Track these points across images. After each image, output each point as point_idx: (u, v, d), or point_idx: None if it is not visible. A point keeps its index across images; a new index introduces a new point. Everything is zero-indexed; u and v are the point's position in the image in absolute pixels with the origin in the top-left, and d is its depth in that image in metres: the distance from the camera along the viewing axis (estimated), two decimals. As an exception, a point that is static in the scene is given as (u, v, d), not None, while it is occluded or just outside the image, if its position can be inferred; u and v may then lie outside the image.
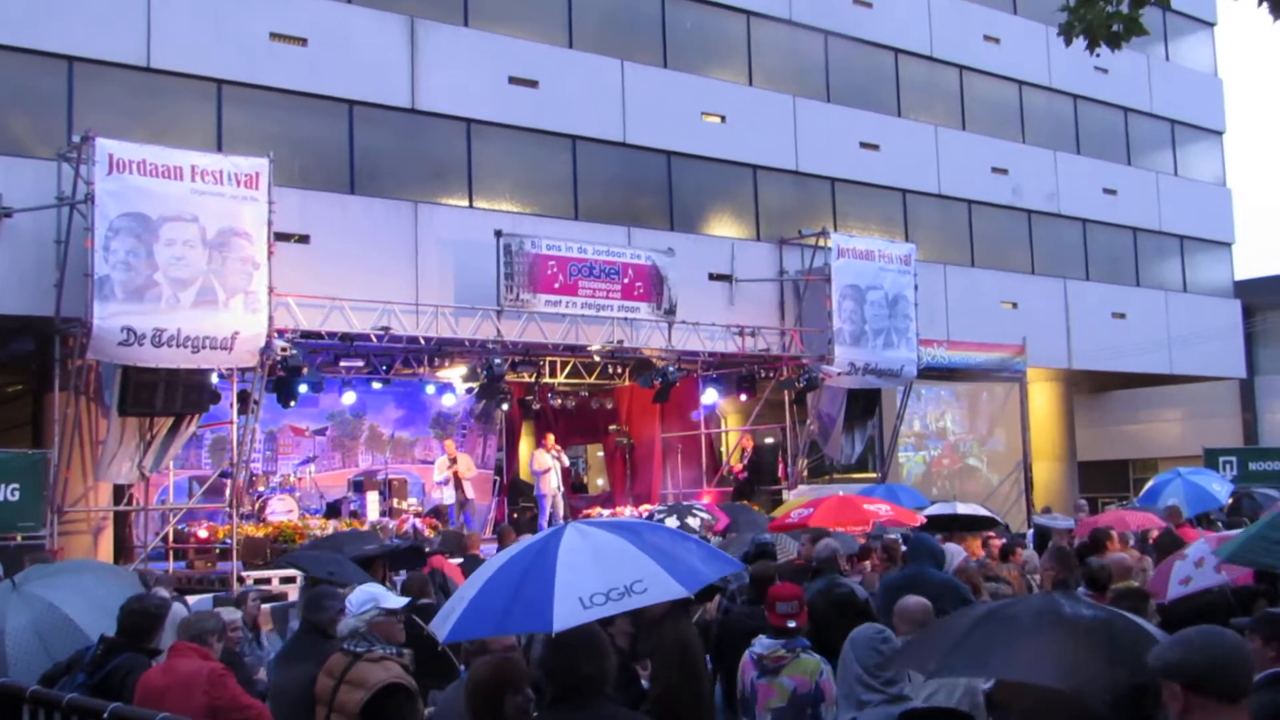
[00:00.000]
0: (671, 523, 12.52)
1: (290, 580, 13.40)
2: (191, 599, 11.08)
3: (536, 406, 21.50)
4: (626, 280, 18.05)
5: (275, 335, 14.38)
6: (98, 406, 14.60)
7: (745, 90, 22.21)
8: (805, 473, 20.98)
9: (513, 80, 19.12)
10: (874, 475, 22.38)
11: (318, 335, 15.57)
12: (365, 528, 15.84)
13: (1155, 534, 11.81)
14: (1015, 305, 25.43)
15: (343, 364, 17.80)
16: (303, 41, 17.22)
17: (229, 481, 15.09)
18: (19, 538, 13.56)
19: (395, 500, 18.15)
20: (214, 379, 14.62)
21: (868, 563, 10.34)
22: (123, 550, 15.52)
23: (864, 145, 23.58)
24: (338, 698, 5.28)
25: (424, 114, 18.29)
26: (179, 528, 15.75)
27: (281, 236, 15.06)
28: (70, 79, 15.43)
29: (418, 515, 17.62)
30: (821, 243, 20.60)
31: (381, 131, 18.11)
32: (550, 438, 19.67)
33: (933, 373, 22.74)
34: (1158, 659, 3.05)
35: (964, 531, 12.69)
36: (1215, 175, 31.40)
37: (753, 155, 21.92)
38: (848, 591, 7.31)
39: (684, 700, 5.85)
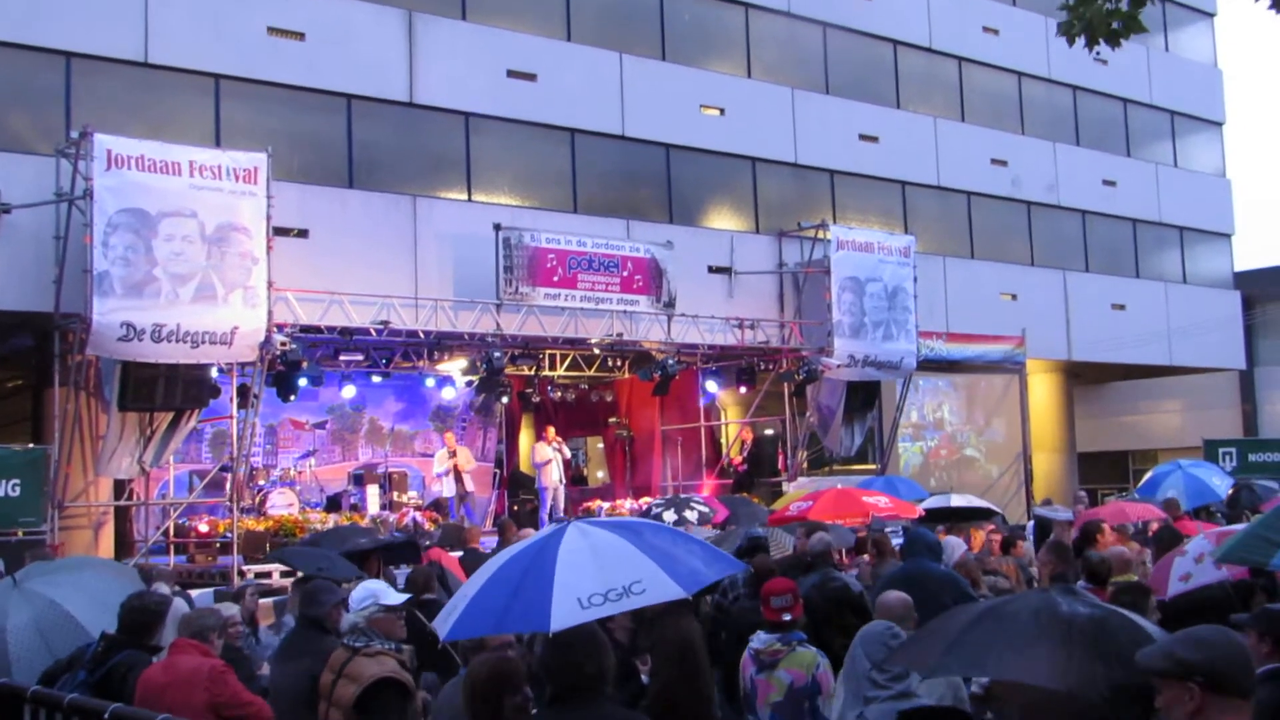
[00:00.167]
0: (669, 516, 12.57)
1: (291, 574, 13.41)
2: (193, 593, 11.11)
3: (536, 399, 21.50)
4: (626, 273, 18.06)
5: (274, 330, 14.39)
6: (98, 402, 14.61)
7: (744, 83, 22.20)
8: (805, 465, 21.01)
9: (511, 74, 19.11)
10: (873, 467, 22.42)
11: (317, 329, 15.57)
12: (365, 521, 15.90)
13: (1155, 526, 11.81)
14: (1015, 297, 25.44)
15: (342, 358, 17.81)
16: (301, 36, 17.20)
17: (229, 475, 15.10)
18: (20, 533, 13.57)
19: (395, 493, 18.17)
20: (214, 374, 14.65)
21: (865, 556, 10.36)
22: (123, 545, 15.54)
23: (863, 137, 23.58)
24: (335, 692, 5.35)
25: (422, 108, 18.28)
26: (179, 522, 15.76)
27: (280, 231, 15.06)
28: (68, 75, 15.42)
29: (418, 508, 17.65)
30: (821, 235, 20.60)
31: (380, 126, 18.10)
32: (551, 430, 19.68)
33: (932, 365, 22.75)
34: (1168, 659, 3.04)
35: (964, 523, 12.71)
36: (1215, 166, 31.38)
37: (752, 148, 21.91)
38: (841, 585, 7.33)
39: (684, 696, 5.84)
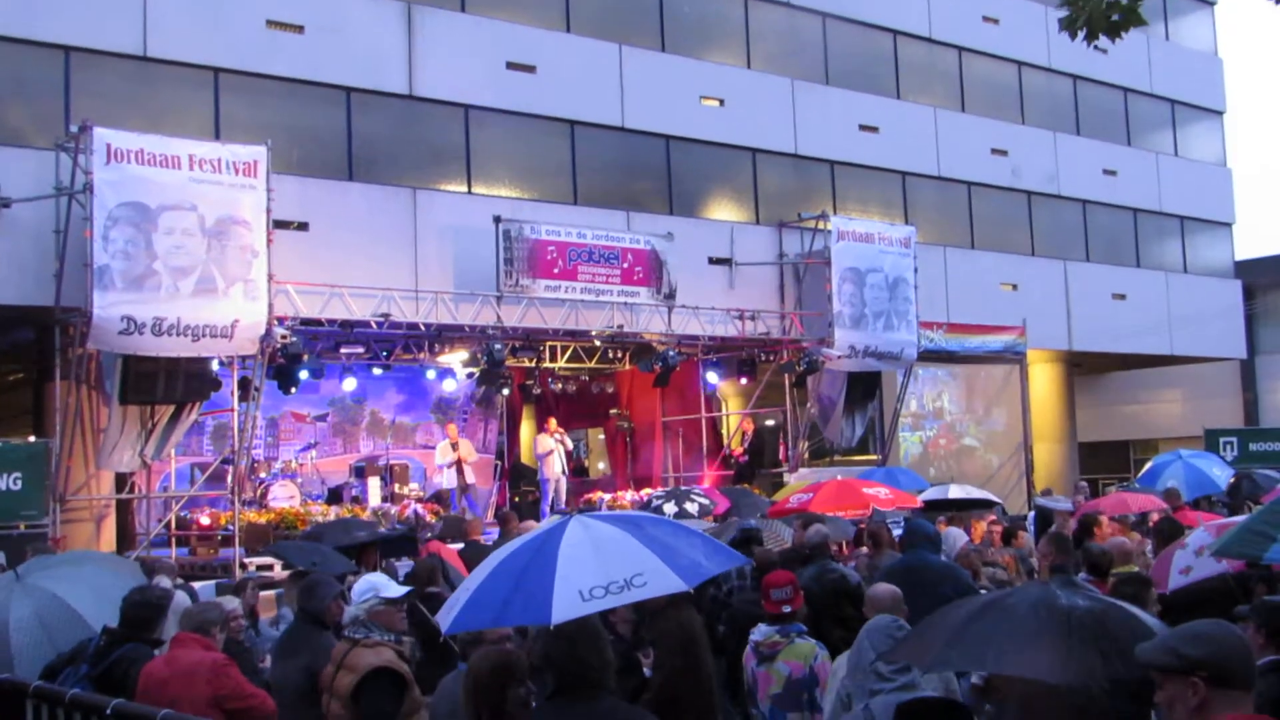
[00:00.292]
0: (669, 508, 12.57)
1: (292, 566, 13.44)
2: (196, 584, 11.12)
3: (537, 391, 21.53)
4: (626, 265, 18.06)
5: (275, 323, 14.39)
6: (99, 395, 14.63)
7: (744, 73, 22.16)
8: (806, 455, 21.02)
9: (510, 65, 19.07)
10: (874, 457, 22.42)
11: (317, 322, 15.58)
12: (367, 514, 15.94)
13: (1156, 517, 11.83)
14: (1015, 287, 25.42)
15: (343, 350, 17.81)
16: (299, 29, 17.17)
17: (231, 468, 15.12)
18: (22, 526, 13.62)
19: (397, 485, 18.20)
20: (214, 366, 14.65)
21: (864, 548, 10.34)
22: (125, 538, 15.57)
23: (863, 128, 23.54)
24: (335, 683, 5.40)
25: (422, 100, 18.25)
26: (181, 514, 15.78)
27: (280, 224, 15.04)
28: (67, 69, 15.40)
29: (419, 500, 17.68)
30: (821, 226, 20.58)
31: (379, 118, 18.08)
32: (552, 421, 19.69)
33: (933, 355, 22.75)
34: (1171, 654, 3.06)
35: (964, 514, 12.73)
36: (1215, 155, 31.33)
37: (751, 138, 21.88)
38: (839, 576, 7.33)
39: (686, 688, 5.87)
